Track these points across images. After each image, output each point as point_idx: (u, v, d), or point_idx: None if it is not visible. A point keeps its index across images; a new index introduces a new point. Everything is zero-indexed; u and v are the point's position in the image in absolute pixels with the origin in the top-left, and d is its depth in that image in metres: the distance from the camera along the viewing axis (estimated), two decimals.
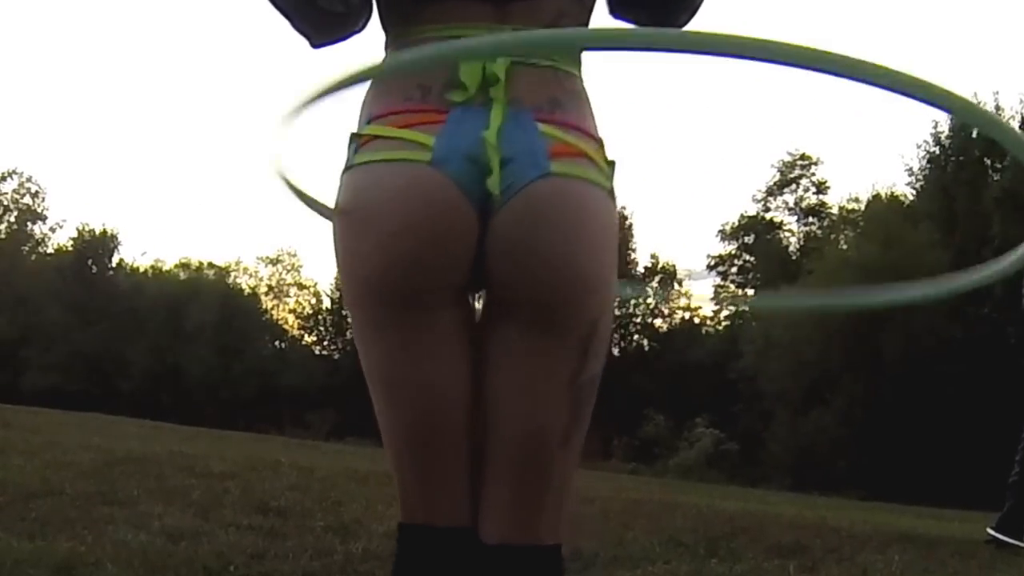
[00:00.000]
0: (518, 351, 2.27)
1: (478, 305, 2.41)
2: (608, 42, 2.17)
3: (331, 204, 2.42)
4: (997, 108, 51.69)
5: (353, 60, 2.22)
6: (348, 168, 2.36)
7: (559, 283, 2.21)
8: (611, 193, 2.34)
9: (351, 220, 2.32)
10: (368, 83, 2.40)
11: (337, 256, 2.38)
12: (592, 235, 2.25)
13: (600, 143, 2.37)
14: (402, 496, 2.44)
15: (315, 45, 2.51)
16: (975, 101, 2.26)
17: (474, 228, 2.22)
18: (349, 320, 2.38)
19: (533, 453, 2.30)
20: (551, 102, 2.31)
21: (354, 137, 2.39)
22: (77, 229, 71.36)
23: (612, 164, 2.37)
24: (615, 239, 2.33)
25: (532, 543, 2.32)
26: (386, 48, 2.49)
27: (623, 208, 66.40)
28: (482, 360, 2.33)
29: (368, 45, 2.53)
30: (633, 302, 67.76)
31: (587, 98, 2.41)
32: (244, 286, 75.89)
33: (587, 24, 2.45)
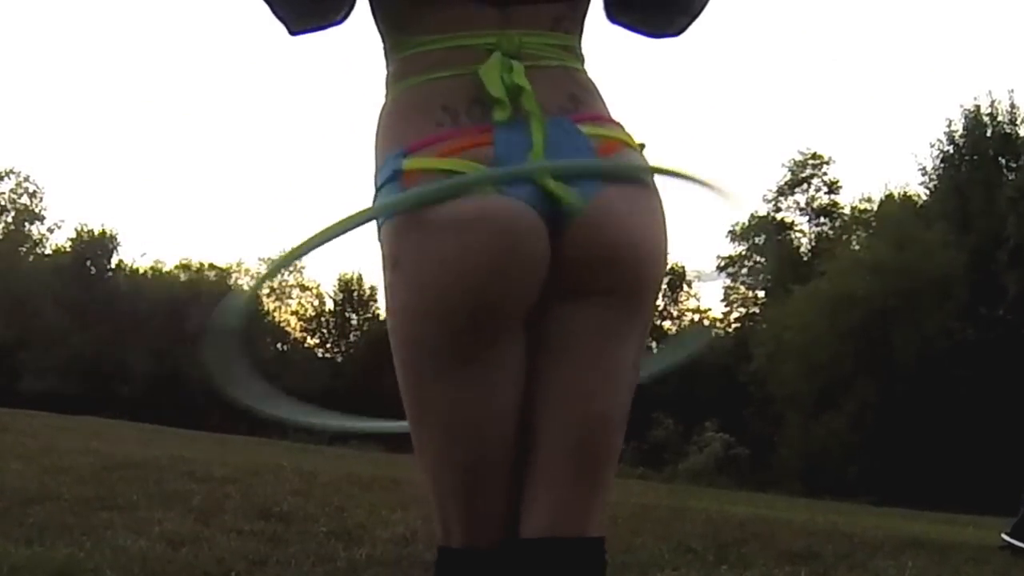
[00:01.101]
0: (591, 332, 2.26)
1: None
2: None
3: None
4: (1012, 107, 51.76)
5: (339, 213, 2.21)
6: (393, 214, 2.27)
7: (642, 267, 2.27)
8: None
9: (419, 264, 2.20)
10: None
11: (396, 299, 2.30)
12: (658, 217, 2.32)
13: (622, 127, 2.39)
14: (442, 520, 2.40)
15: (293, 32, 2.47)
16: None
17: (548, 246, 2.20)
18: (400, 363, 2.30)
19: (594, 436, 2.28)
20: (571, 99, 2.31)
21: (396, 175, 2.25)
22: (75, 229, 71.39)
23: (642, 146, 2.42)
24: (665, 215, 2.36)
25: (579, 534, 2.28)
26: (386, 56, 2.45)
27: None
28: (540, 350, 2.29)
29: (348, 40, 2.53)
30: None
31: (593, 86, 2.42)
32: (245, 287, 75.82)
33: (582, 29, 2.45)
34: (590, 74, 2.45)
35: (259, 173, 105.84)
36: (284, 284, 75.42)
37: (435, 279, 2.17)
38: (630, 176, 2.30)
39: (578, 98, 2.33)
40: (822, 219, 66.26)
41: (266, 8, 2.42)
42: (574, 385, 2.26)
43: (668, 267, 2.40)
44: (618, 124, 2.38)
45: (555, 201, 2.18)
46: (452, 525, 2.36)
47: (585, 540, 2.28)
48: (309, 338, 74.40)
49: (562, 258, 2.20)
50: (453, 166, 2.18)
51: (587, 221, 2.20)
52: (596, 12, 2.49)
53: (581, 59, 2.44)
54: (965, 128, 52.28)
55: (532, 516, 2.28)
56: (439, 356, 2.23)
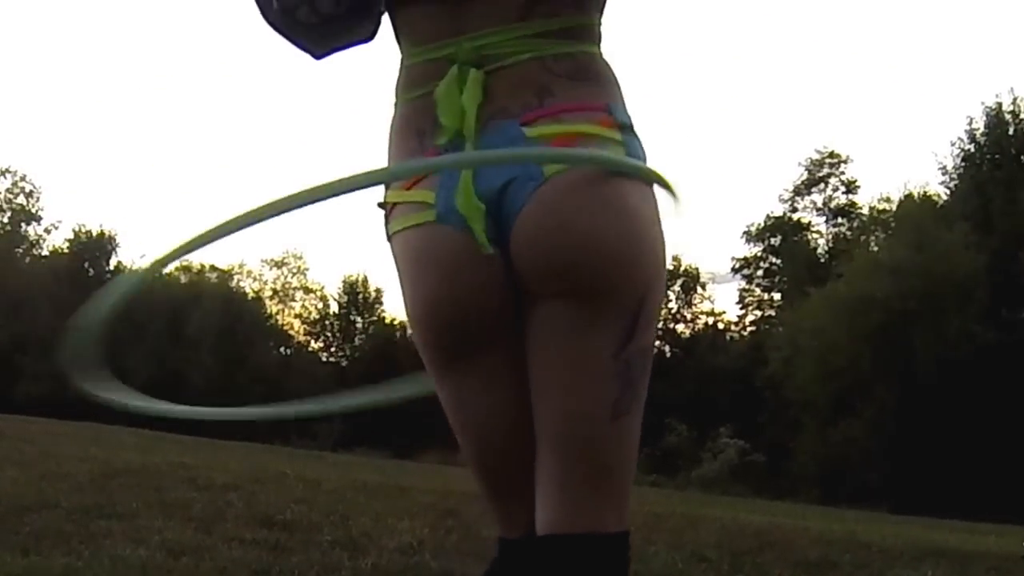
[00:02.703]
0: (560, 330, 2.29)
1: None
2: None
3: None
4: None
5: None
6: (388, 239, 2.48)
7: (594, 268, 2.24)
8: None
9: (402, 287, 2.46)
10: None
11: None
12: (615, 210, 2.27)
13: (607, 109, 2.35)
14: (488, 512, 2.63)
15: (317, 56, 2.53)
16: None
17: (490, 271, 2.30)
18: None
19: (579, 428, 2.29)
20: (540, 93, 2.31)
21: (381, 206, 2.50)
22: (73, 230, 71.53)
23: (624, 127, 2.36)
24: (641, 205, 2.32)
25: (590, 530, 2.29)
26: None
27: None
28: (527, 351, 2.36)
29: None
30: None
31: (593, 66, 2.39)
32: (248, 290, 75.96)
33: (584, 4, 2.42)
34: (597, 50, 2.43)
35: (261, 172, 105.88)
36: (287, 286, 75.52)
37: (410, 296, 2.42)
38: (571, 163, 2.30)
39: (549, 90, 2.31)
40: (840, 219, 66.26)
41: (284, 40, 2.50)
42: (551, 382, 2.31)
43: (655, 260, 2.35)
44: (593, 108, 2.34)
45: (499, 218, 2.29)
46: (492, 515, 2.56)
47: (596, 536, 2.29)
48: (313, 342, 74.56)
49: (515, 268, 2.30)
50: (412, 198, 2.38)
51: (520, 235, 2.27)
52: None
53: (579, 39, 2.38)
54: (986, 126, 52.24)
55: (541, 512, 2.34)
56: (434, 361, 2.46)
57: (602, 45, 2.45)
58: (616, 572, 2.33)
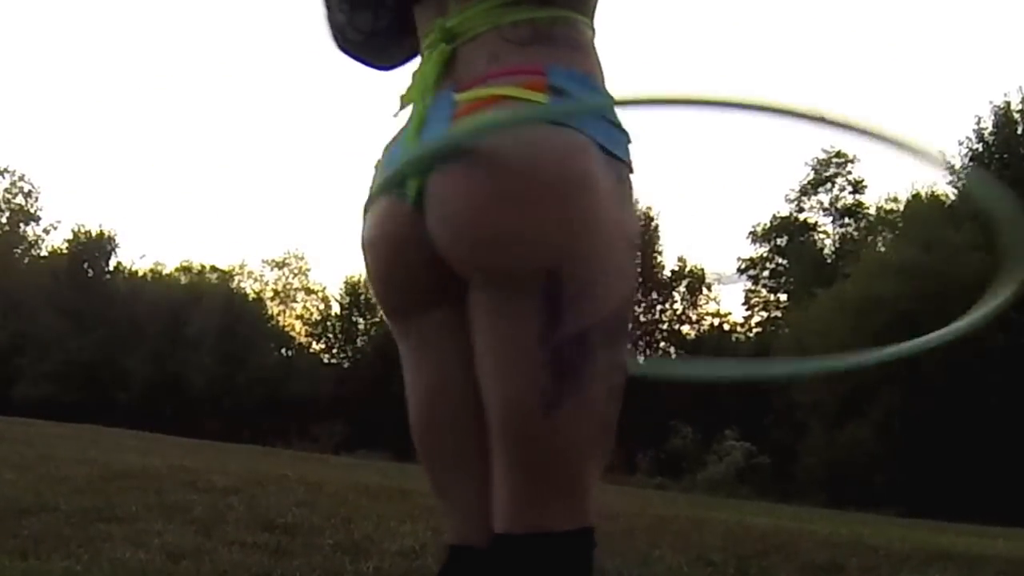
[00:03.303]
0: (483, 314, 2.21)
1: None
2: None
3: None
4: None
5: None
6: None
7: (485, 257, 2.16)
8: (547, 125, 2.18)
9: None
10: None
11: None
12: (517, 181, 2.14)
13: (543, 71, 2.24)
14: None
15: (385, 69, 2.63)
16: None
17: (426, 250, 2.26)
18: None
19: (512, 422, 2.18)
20: (490, 60, 2.27)
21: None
22: (72, 231, 71.52)
23: (557, 89, 2.22)
24: (525, 170, 2.15)
25: (533, 529, 2.17)
26: None
27: (647, 208, 66.40)
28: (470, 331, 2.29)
29: None
30: (659, 308, 67.87)
31: (553, 30, 2.31)
32: (248, 291, 76.06)
33: None
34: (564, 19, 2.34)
35: (263, 171, 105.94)
36: (289, 287, 75.58)
37: (367, 264, 2.46)
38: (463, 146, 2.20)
39: (498, 56, 2.27)
40: (846, 220, 66.35)
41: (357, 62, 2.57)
42: (484, 370, 2.22)
43: (553, 229, 2.13)
44: (528, 71, 2.25)
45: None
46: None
47: (541, 536, 2.17)
48: (315, 343, 74.58)
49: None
50: (379, 160, 2.47)
51: (427, 195, 2.23)
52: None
53: (548, 3, 2.32)
54: (995, 126, 52.31)
55: (494, 510, 2.24)
56: (388, 320, 2.52)
57: (594, 9, 2.40)
58: (566, 573, 2.21)
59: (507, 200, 2.13)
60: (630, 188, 2.26)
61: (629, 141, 2.29)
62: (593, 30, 2.38)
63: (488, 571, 2.22)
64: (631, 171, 2.28)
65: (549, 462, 2.17)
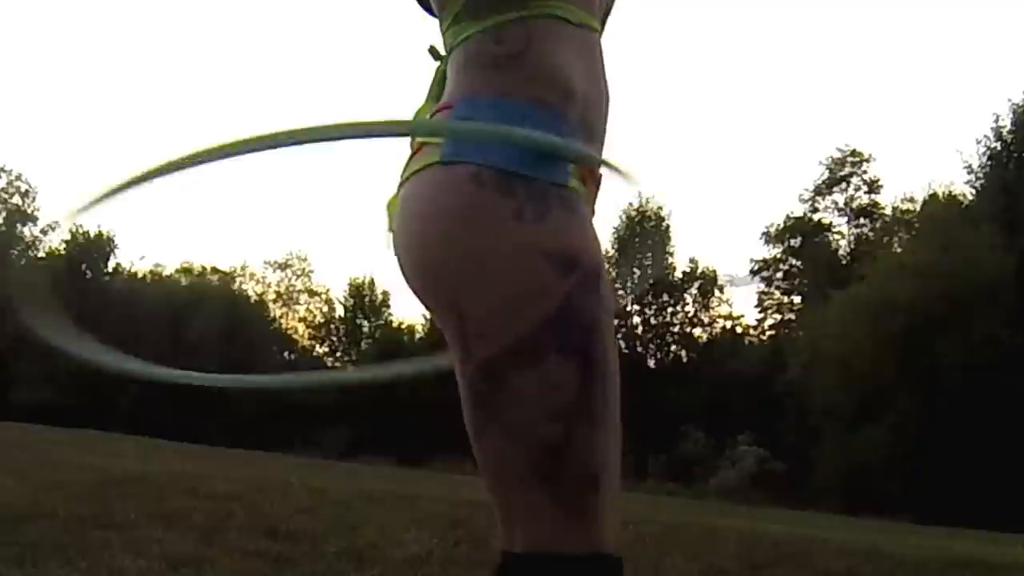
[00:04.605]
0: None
1: None
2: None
3: None
4: None
5: None
6: None
7: (406, 280, 2.33)
8: (438, 165, 2.27)
9: None
10: None
11: None
12: (410, 225, 2.28)
13: (452, 106, 2.34)
14: None
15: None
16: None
17: None
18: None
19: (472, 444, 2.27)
20: (449, 86, 2.41)
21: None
22: (70, 231, 71.53)
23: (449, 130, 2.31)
24: (421, 207, 2.26)
25: (505, 548, 2.23)
26: None
27: (659, 208, 66.45)
28: None
29: None
30: (670, 311, 67.82)
31: (480, 48, 2.35)
32: (251, 293, 76.14)
33: None
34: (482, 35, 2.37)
35: (265, 171, 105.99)
36: (292, 289, 75.63)
37: None
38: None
39: (450, 81, 2.41)
40: (862, 220, 66.26)
41: None
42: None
43: (446, 263, 2.21)
44: (444, 107, 2.36)
45: None
46: None
47: (505, 555, 2.23)
48: (318, 346, 74.64)
49: None
50: None
51: None
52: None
53: (482, 14, 2.36)
54: (1013, 124, 52.13)
55: None
56: None
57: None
58: None
59: (408, 242, 2.30)
60: (552, 199, 2.22)
61: (560, 150, 2.27)
62: (549, 16, 2.35)
63: None
64: (561, 180, 2.25)
65: (494, 487, 2.24)
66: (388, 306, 71.95)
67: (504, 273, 2.17)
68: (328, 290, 76.18)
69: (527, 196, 2.19)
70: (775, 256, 68.36)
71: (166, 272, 77.27)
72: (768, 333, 69.15)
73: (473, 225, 2.18)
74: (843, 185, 66.37)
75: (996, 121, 52.86)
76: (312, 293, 76.03)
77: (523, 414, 2.15)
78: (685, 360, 67.28)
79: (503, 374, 2.16)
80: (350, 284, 72.20)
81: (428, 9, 2.52)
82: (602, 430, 2.18)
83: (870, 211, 65.88)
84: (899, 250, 55.75)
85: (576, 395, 2.15)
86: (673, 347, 68.27)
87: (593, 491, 2.17)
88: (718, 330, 70.32)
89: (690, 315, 69.17)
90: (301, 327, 75.21)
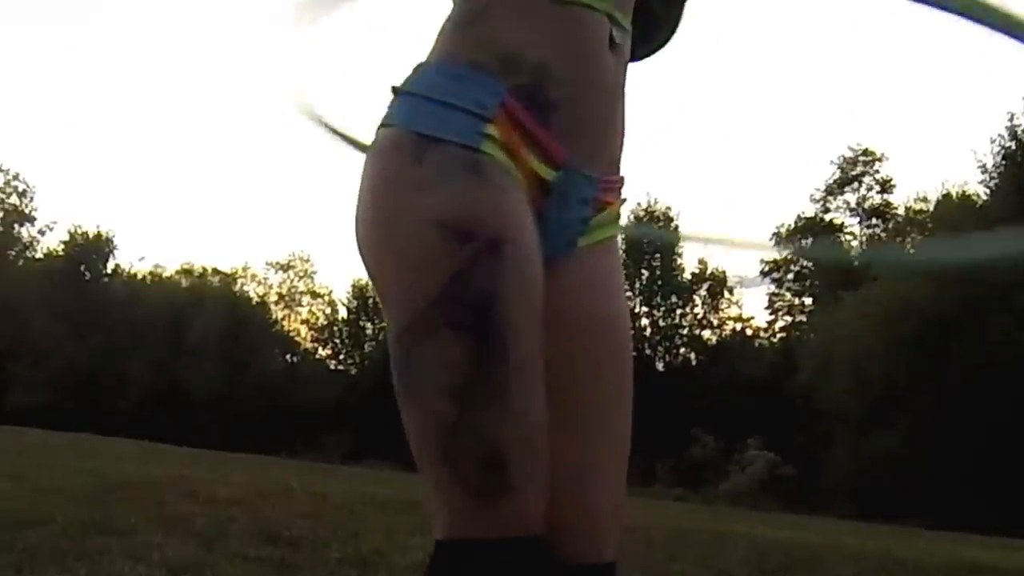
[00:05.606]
0: None
1: None
2: None
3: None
4: None
5: None
6: None
7: None
8: (382, 127, 2.30)
9: None
10: None
11: None
12: (359, 203, 2.28)
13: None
14: None
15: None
16: None
17: None
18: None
19: None
20: None
21: None
22: (69, 231, 71.65)
23: (398, 91, 2.31)
24: (362, 184, 2.27)
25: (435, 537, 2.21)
26: None
27: (666, 208, 66.43)
28: None
29: None
30: (679, 312, 67.76)
31: (445, 21, 2.36)
32: (252, 294, 76.13)
33: None
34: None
35: (266, 170, 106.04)
36: (294, 290, 75.60)
37: None
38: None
39: None
40: (874, 220, 66.22)
41: None
42: None
43: (363, 235, 2.24)
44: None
45: None
46: None
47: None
48: (321, 349, 74.65)
49: None
50: None
51: None
52: None
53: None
54: None
55: None
56: None
57: None
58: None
59: (359, 213, 2.26)
60: (458, 166, 2.17)
61: (461, 106, 2.22)
62: None
63: None
64: (473, 143, 2.19)
65: (418, 467, 2.19)
66: None
67: (402, 244, 2.16)
68: (331, 291, 76.30)
69: (434, 162, 2.17)
70: (786, 257, 68.26)
71: (166, 273, 77.37)
72: (779, 335, 69.13)
73: (382, 194, 2.21)
74: (855, 185, 66.38)
75: (1011, 120, 52.77)
76: (315, 294, 76.04)
77: (423, 390, 2.13)
78: (694, 363, 67.26)
79: (407, 348, 2.15)
80: (353, 285, 72.11)
81: None
82: (505, 410, 2.10)
83: (883, 211, 65.86)
84: (912, 251, 55.68)
85: (468, 373, 2.09)
86: (682, 349, 68.26)
87: (499, 470, 2.09)
88: (728, 332, 70.30)
89: (699, 317, 69.17)
90: (304, 329, 75.26)
